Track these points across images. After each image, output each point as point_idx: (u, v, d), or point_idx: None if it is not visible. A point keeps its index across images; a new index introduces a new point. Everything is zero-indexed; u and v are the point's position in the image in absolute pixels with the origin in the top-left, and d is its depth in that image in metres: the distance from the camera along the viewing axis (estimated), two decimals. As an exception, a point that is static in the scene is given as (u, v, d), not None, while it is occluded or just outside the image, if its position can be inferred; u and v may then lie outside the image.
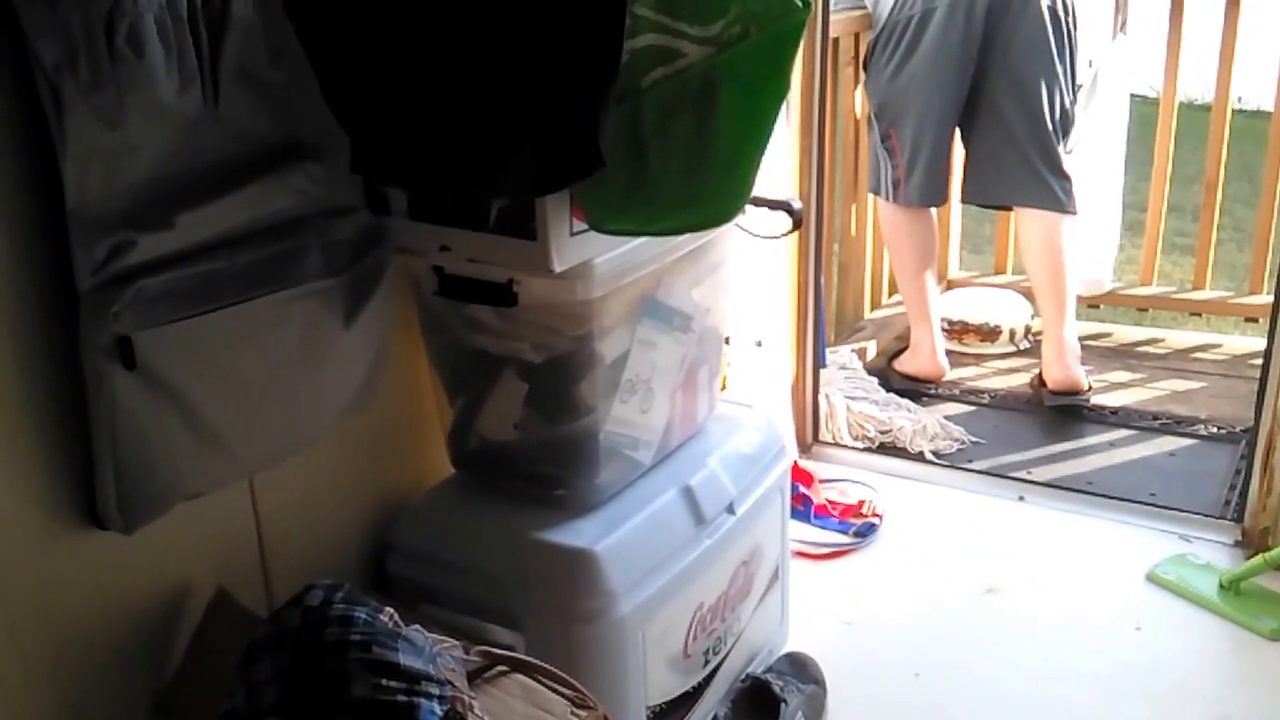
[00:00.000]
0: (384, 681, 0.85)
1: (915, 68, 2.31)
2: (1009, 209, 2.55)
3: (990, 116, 2.32)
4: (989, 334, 2.72)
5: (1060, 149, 2.29)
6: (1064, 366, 2.34)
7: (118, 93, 0.83)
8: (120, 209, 0.86)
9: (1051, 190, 2.30)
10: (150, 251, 0.87)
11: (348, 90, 0.92)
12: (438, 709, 0.86)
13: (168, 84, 0.86)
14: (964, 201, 2.53)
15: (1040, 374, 2.42)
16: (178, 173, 0.90)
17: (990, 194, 2.44)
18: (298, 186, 0.99)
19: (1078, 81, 2.32)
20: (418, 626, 0.94)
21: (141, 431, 0.89)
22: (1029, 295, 2.79)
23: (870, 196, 2.80)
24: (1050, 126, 2.26)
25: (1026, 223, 2.38)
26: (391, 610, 0.93)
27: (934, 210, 2.47)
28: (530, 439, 1.22)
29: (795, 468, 1.91)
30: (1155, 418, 2.33)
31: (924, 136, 2.33)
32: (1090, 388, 2.36)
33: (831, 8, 2.15)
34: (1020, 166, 2.31)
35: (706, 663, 1.36)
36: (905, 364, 2.54)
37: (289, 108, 0.96)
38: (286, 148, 0.98)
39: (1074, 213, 2.32)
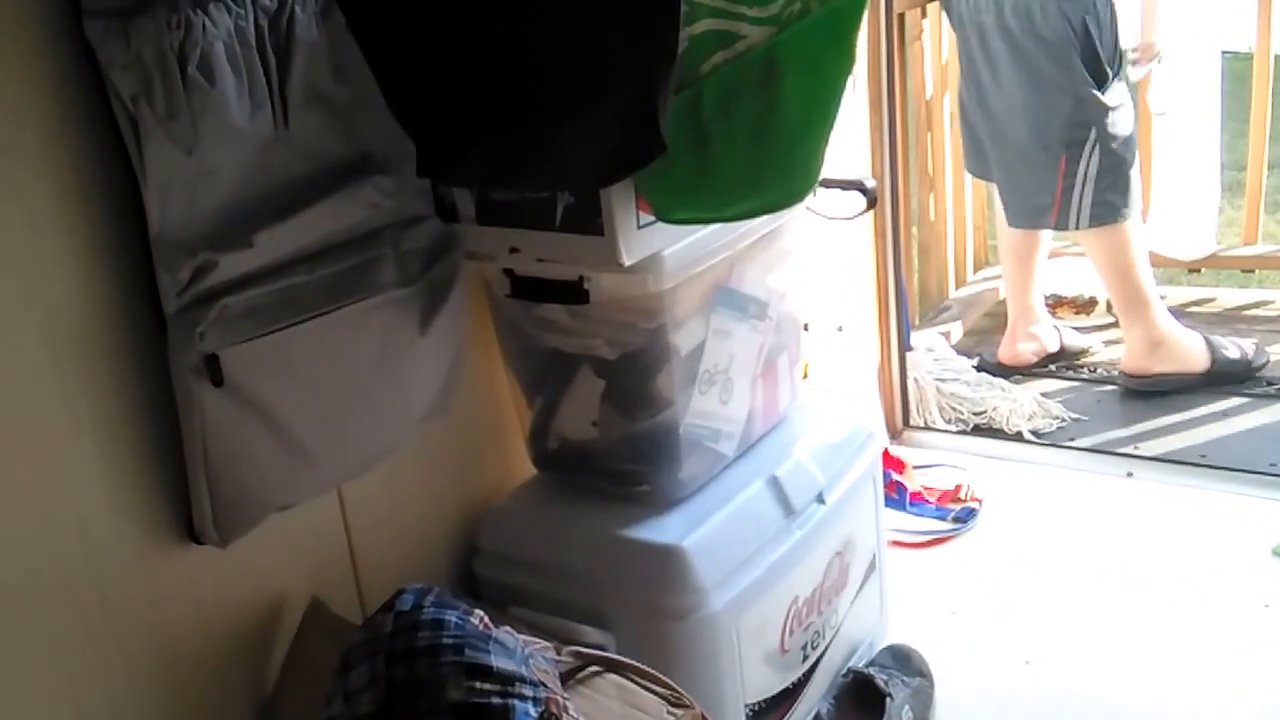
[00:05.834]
0: (478, 684, 0.85)
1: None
2: None
3: (1002, 145, 2.23)
4: (1084, 306, 2.61)
5: (1081, 165, 2.10)
6: (1161, 362, 2.19)
7: (193, 120, 0.85)
8: (201, 231, 0.88)
9: (1073, 211, 2.13)
10: (231, 271, 0.90)
11: (410, 94, 0.93)
12: (532, 710, 0.86)
13: (240, 108, 0.88)
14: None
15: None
16: (254, 193, 0.92)
17: (1039, 220, 2.25)
18: (369, 199, 1.01)
19: (1107, 80, 2.10)
20: (508, 628, 0.94)
21: (231, 446, 0.91)
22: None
23: (948, 175, 2.74)
24: (1061, 150, 2.11)
25: (1084, 241, 2.24)
26: (482, 613, 0.93)
27: None
28: (610, 436, 1.21)
29: (886, 454, 1.86)
30: (1270, 383, 2.19)
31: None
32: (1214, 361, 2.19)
33: (895, -19, 2.10)
34: (1043, 193, 2.15)
35: (805, 658, 1.33)
36: (1000, 354, 2.45)
37: (356, 123, 0.98)
38: (356, 162, 1.00)
39: (1124, 220, 2.12)
